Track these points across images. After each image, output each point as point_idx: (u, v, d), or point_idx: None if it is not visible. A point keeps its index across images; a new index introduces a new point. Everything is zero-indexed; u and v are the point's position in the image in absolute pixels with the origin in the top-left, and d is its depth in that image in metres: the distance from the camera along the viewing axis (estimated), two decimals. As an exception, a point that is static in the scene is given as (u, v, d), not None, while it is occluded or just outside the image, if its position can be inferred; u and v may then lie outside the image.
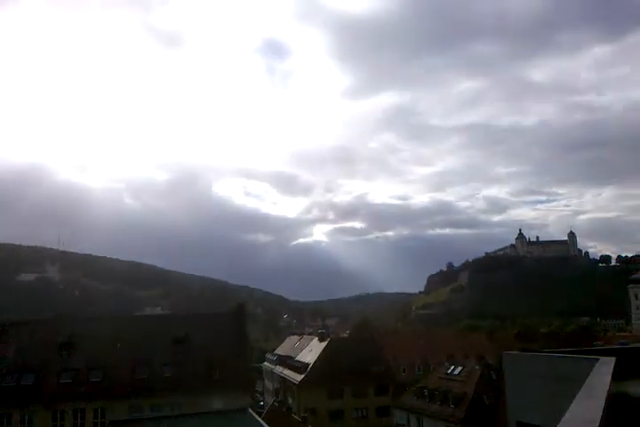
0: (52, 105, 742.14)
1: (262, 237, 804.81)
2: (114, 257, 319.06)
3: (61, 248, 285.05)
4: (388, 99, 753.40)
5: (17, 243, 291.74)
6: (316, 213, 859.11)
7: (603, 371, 14.87)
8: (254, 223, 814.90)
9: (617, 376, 18.07)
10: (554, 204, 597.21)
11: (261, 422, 42.38)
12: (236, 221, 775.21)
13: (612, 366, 16.00)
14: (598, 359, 17.02)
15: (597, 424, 6.78)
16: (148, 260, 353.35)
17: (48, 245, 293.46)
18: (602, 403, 9.37)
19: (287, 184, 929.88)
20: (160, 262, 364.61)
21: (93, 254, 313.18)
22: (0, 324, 48.90)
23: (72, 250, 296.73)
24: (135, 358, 45.18)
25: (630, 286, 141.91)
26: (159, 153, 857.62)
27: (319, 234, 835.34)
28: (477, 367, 54.64)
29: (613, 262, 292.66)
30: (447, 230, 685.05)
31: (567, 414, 7.90)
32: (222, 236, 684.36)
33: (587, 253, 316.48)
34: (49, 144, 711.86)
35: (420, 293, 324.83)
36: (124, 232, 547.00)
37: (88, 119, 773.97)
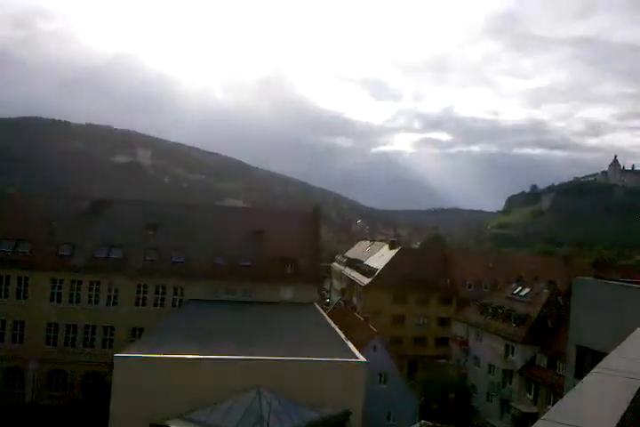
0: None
1: (344, 142, 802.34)
2: (202, 148, 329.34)
3: (153, 135, 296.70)
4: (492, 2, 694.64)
5: (111, 125, 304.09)
6: (401, 121, 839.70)
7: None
8: (337, 127, 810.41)
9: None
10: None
11: (326, 316, 44.73)
12: (320, 124, 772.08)
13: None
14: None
15: None
16: (233, 154, 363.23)
17: (140, 131, 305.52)
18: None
19: (376, 89, 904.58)
20: (244, 158, 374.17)
21: (183, 143, 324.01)
22: (93, 201, 52.53)
23: (163, 137, 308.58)
24: (215, 245, 47.81)
25: None
26: (251, 52, 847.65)
27: (402, 143, 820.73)
28: (546, 291, 54.13)
29: None
30: (536, 151, 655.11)
31: (628, 340, 7.68)
32: (305, 137, 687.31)
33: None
34: (145, 35, 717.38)
35: (498, 212, 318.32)
36: (213, 126, 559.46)
37: (185, 15, 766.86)
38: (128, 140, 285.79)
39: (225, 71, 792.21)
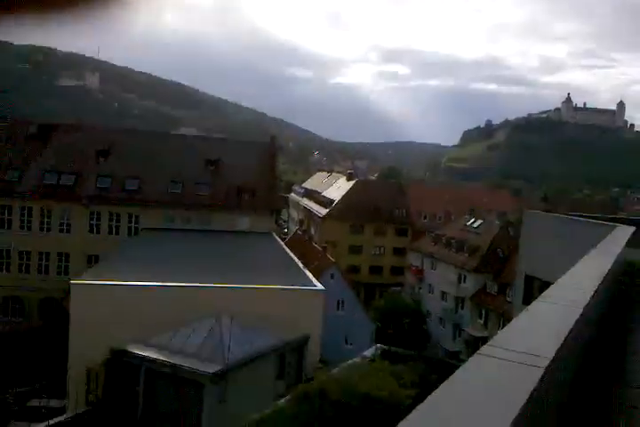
0: None
1: (301, 72, 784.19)
2: (154, 74, 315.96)
3: (101, 58, 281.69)
4: None
5: (53, 47, 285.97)
6: (359, 52, 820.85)
7: (618, 237, 14.74)
8: (294, 57, 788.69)
9: (631, 245, 18.11)
10: (610, 70, 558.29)
11: (283, 245, 44.90)
12: (276, 53, 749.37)
13: (629, 234, 15.84)
14: (616, 226, 16.83)
15: (598, 282, 6.67)
16: (187, 81, 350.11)
17: (87, 54, 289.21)
18: (607, 265, 9.26)
19: (334, 20, 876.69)
20: (199, 85, 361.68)
21: (133, 68, 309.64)
22: (39, 125, 49.86)
23: (111, 61, 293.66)
24: (169, 173, 46.56)
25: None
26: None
27: (361, 75, 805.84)
28: (497, 222, 55.67)
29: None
30: (493, 86, 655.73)
31: (572, 269, 7.82)
32: (260, 66, 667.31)
33: (632, 125, 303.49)
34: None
35: (454, 146, 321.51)
36: (164, 51, 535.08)
37: None
38: (74, 62, 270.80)
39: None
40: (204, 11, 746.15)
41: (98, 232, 44.56)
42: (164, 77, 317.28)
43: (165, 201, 45.04)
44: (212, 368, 23.29)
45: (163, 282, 28.70)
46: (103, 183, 45.10)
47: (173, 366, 24.03)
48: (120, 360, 25.80)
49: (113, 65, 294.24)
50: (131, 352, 25.50)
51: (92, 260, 41.76)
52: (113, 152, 46.98)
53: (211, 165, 48.66)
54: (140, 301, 27.64)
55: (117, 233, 44.61)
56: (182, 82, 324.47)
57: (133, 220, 45.01)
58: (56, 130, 48.73)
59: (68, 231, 44.38)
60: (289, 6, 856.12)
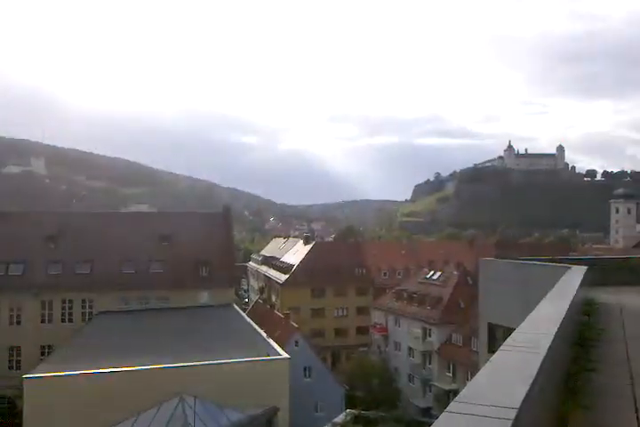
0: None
1: (251, 139, 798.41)
2: (100, 153, 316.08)
3: (46, 142, 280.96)
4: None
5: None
6: (307, 116, 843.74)
7: (572, 278, 15.30)
8: (244, 124, 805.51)
9: (586, 284, 18.75)
10: (546, 116, 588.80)
11: (245, 316, 44.29)
12: (225, 122, 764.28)
13: (583, 273, 16.48)
14: (570, 268, 17.49)
15: (557, 326, 6.95)
16: (135, 158, 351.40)
17: (32, 139, 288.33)
18: (565, 307, 9.64)
19: (279, 84, 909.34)
20: (147, 161, 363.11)
21: (80, 149, 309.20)
22: (-14, 215, 48.92)
23: (57, 144, 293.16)
24: (122, 254, 45.92)
25: (612, 200, 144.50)
26: (150, 48, 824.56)
27: (310, 138, 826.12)
28: (455, 273, 56.45)
29: (599, 177, 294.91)
30: (437, 140, 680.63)
31: (532, 314, 8.13)
32: (210, 136, 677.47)
33: (573, 167, 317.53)
34: (27, 37, 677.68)
35: (406, 201, 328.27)
36: (110, 128, 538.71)
37: (65, 14, 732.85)
38: (19, 149, 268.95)
39: (120, 70, 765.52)
40: (147, 85, 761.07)
41: (50, 321, 43.10)
42: (112, 156, 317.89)
43: (118, 283, 44.15)
44: (177, 453, 22.33)
45: (121, 367, 27.77)
46: (53, 270, 44.09)
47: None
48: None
49: (59, 148, 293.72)
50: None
51: (46, 350, 40.09)
52: (62, 237, 46.29)
53: (165, 241, 48.34)
54: (98, 389, 26.65)
55: (71, 320, 43.26)
56: (130, 159, 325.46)
57: (87, 305, 43.82)
58: (3, 219, 47.85)
59: (19, 323, 42.77)
60: (233, 72, 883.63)
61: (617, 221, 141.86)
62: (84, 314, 43.69)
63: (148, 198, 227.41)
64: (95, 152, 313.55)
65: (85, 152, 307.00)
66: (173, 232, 48.92)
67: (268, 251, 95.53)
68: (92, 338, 35.65)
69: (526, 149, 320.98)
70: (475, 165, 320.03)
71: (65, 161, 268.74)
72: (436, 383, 47.95)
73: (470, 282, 51.47)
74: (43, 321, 43.03)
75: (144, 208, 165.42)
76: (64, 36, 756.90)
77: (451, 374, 47.29)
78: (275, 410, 28.42)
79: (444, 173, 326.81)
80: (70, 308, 43.62)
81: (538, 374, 4.37)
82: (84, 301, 43.79)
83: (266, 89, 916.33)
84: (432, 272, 59.10)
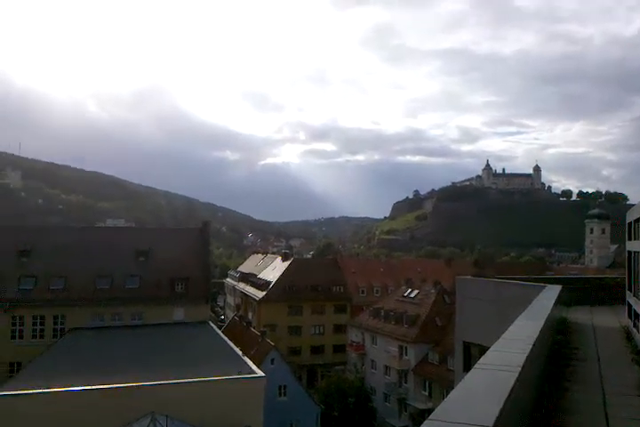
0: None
1: (230, 155, 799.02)
2: (78, 167, 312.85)
3: (23, 155, 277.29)
4: (368, 16, 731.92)
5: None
6: (286, 132, 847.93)
7: (547, 297, 15.46)
8: (222, 140, 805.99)
9: (561, 303, 18.95)
10: (524, 136, 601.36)
11: (221, 334, 43.73)
12: (204, 138, 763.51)
13: (557, 293, 16.66)
14: (545, 286, 17.67)
15: (531, 344, 6.99)
16: (112, 172, 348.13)
17: (9, 151, 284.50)
18: (539, 326, 9.71)
19: (259, 101, 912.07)
20: (124, 175, 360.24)
21: (56, 163, 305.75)
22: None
23: (34, 157, 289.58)
24: (97, 269, 45.18)
25: (587, 220, 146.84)
26: (125, 63, 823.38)
27: (289, 155, 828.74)
28: (433, 291, 56.58)
29: (574, 197, 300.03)
30: (417, 158, 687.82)
31: (506, 333, 8.18)
32: (189, 152, 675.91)
33: (549, 187, 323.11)
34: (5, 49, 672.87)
35: (385, 218, 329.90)
36: (88, 142, 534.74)
37: (50, 27, 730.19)
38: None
39: (97, 84, 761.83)
40: (123, 98, 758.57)
41: (21, 337, 42.07)
42: (89, 170, 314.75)
43: (93, 298, 43.37)
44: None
45: (93, 385, 27.18)
46: (26, 285, 43.13)
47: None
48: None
49: (36, 161, 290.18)
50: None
51: (15, 368, 39.05)
52: (35, 251, 45.37)
53: (141, 257, 47.74)
54: (69, 407, 25.99)
55: (42, 337, 42.21)
56: (108, 173, 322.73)
57: (59, 321, 42.89)
58: (-26, 233, 46.88)
59: (-12, 339, 41.66)
60: (212, 90, 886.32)
61: (591, 241, 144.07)
62: (55, 330, 42.68)
63: (125, 213, 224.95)
64: (72, 166, 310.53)
65: (62, 165, 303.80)
66: (150, 248, 48.34)
67: (245, 267, 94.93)
68: (64, 355, 34.81)
69: (504, 169, 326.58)
70: (453, 183, 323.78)
71: (41, 174, 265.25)
72: (411, 402, 47.71)
73: (447, 300, 51.65)
74: (13, 337, 41.97)
75: (121, 223, 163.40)
76: (38, 44, 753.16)
77: (427, 393, 47.11)
78: (249, 429, 27.99)
79: (423, 191, 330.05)
80: (42, 324, 42.63)
81: (511, 392, 4.38)
82: (56, 317, 42.85)
83: (247, 105, 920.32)
84: (409, 290, 59.18)
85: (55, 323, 42.85)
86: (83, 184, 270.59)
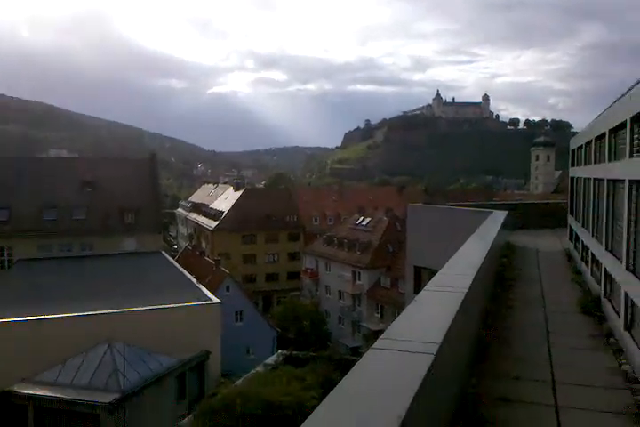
0: None
1: (176, 84, 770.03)
2: (14, 96, 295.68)
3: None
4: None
5: None
6: (234, 60, 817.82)
7: (494, 221, 15.91)
8: (168, 68, 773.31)
9: (507, 227, 19.59)
10: (474, 65, 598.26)
11: (175, 263, 43.82)
12: (148, 65, 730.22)
13: (503, 217, 17.16)
14: (492, 212, 18.16)
15: (478, 267, 7.19)
16: (52, 101, 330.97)
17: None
18: (487, 248, 10.00)
19: (204, 28, 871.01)
20: (66, 104, 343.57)
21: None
22: None
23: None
24: (42, 200, 43.84)
25: (532, 148, 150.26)
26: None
27: (238, 84, 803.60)
28: (385, 219, 57.65)
29: (522, 126, 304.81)
30: (368, 87, 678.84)
31: (454, 257, 8.38)
32: (133, 79, 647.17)
33: (498, 115, 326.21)
34: None
35: (337, 148, 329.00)
36: (23, 69, 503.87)
37: None
38: None
39: (30, 8, 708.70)
40: (59, 22, 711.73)
41: (-34, 269, 41.11)
42: (27, 98, 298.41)
43: (39, 229, 42.35)
44: (107, 398, 22.25)
45: (46, 315, 27.03)
46: (-32, 216, 41.66)
47: (64, 401, 22.66)
48: (6, 401, 23.94)
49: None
50: (17, 392, 23.76)
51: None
52: (-24, 182, 43.50)
53: (87, 187, 46.49)
54: (23, 337, 25.85)
55: (-11, 268, 41.37)
56: (48, 102, 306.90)
57: (5, 252, 41.94)
58: None
59: None
60: (155, 15, 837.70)
61: (537, 168, 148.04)
62: (2, 262, 41.87)
63: (68, 143, 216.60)
64: (8, 94, 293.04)
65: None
66: (96, 178, 47.05)
67: (197, 197, 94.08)
68: (13, 286, 34.30)
69: (453, 98, 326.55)
70: (404, 112, 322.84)
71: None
72: (365, 324, 49.76)
73: (399, 228, 52.81)
74: (-42, 269, 41.02)
75: (63, 153, 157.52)
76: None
77: (379, 316, 49.13)
78: (206, 354, 28.69)
79: (374, 121, 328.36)
80: (-12, 255, 41.70)
81: (458, 312, 4.52)
82: (1, 248, 41.86)
83: (194, 32, 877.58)
84: (362, 218, 60.11)
85: (2, 255, 41.92)
86: (20, 113, 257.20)
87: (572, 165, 21.12)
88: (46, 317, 26.87)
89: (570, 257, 18.50)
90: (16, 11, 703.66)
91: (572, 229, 19.94)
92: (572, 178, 20.75)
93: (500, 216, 17.28)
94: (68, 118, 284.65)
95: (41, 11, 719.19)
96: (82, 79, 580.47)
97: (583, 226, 16.12)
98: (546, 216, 27.40)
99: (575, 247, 18.31)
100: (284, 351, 26.74)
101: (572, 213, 20.58)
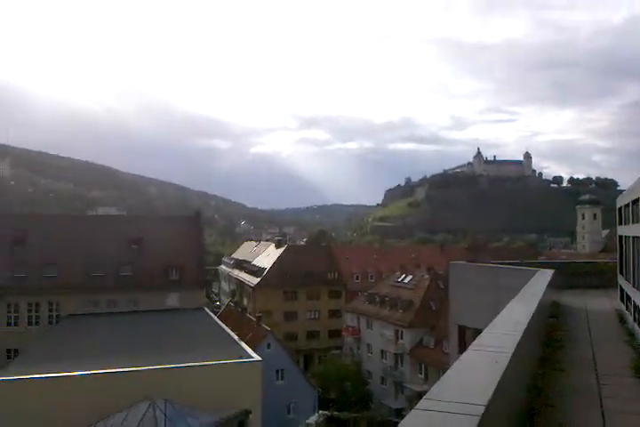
0: None
1: (220, 143, 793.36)
2: (66, 155, 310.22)
3: (11, 143, 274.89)
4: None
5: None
6: (277, 120, 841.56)
7: (540, 281, 15.60)
8: (212, 129, 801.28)
9: (554, 287, 19.15)
10: (514, 124, 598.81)
11: (217, 319, 43.92)
12: (193, 127, 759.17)
13: (550, 277, 16.82)
14: (538, 270, 17.81)
15: (525, 324, 7.09)
16: (102, 161, 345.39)
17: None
18: (533, 307, 9.84)
19: (245, 87, 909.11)
20: (115, 164, 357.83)
21: (46, 152, 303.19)
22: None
23: (22, 146, 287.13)
24: (90, 257, 45.17)
25: (578, 206, 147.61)
26: (116, 55, 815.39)
27: (280, 143, 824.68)
28: (427, 277, 56.92)
29: (565, 184, 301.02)
30: (408, 145, 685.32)
31: (499, 316, 8.27)
32: (179, 141, 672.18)
33: (540, 173, 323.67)
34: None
35: (378, 206, 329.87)
36: (76, 131, 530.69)
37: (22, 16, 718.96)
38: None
39: (85, 72, 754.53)
40: (115, 90, 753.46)
41: (16, 324, 42.17)
42: (80, 159, 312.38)
43: (87, 285, 43.44)
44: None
45: (89, 370, 27.27)
46: (20, 272, 43.13)
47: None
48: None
49: (25, 149, 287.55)
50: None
51: (11, 354, 39.15)
52: (28, 239, 45.31)
53: (134, 244, 47.74)
54: (66, 392, 26.05)
55: (37, 323, 42.40)
56: (100, 162, 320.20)
57: (54, 307, 43.00)
58: (-33, 221, 46.71)
59: (-16, 326, 41.73)
60: (200, 80, 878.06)
61: (583, 227, 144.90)
62: (50, 317, 42.85)
63: (116, 202, 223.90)
64: (61, 155, 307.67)
65: (51, 154, 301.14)
66: (143, 235, 48.34)
67: (239, 254, 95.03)
68: (59, 341, 34.90)
69: (494, 156, 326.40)
70: (444, 170, 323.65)
71: (30, 163, 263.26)
72: (408, 385, 48.27)
73: (441, 285, 52.00)
74: (9, 324, 42.10)
75: (112, 211, 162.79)
76: (31, 32, 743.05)
77: (423, 376, 47.65)
78: (247, 412, 28.21)
79: (415, 179, 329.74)
80: (37, 310, 42.76)
81: (505, 372, 4.46)
82: (50, 304, 42.95)
83: (237, 94, 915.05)
84: (403, 276, 59.53)
85: (50, 310, 42.99)
86: (72, 173, 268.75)
87: (620, 224, 20.75)
88: (90, 372, 27.09)
89: (622, 318, 17.88)
90: (73, 73, 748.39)
91: (622, 289, 19.37)
92: (621, 237, 20.34)
93: (546, 275, 16.96)
94: (116, 178, 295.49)
95: (97, 72, 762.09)
96: (126, 139, 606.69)
97: (634, 286, 15.68)
98: (594, 276, 26.66)
99: (627, 308, 17.72)
100: (325, 412, 26.19)
101: (621, 273, 20.04)
